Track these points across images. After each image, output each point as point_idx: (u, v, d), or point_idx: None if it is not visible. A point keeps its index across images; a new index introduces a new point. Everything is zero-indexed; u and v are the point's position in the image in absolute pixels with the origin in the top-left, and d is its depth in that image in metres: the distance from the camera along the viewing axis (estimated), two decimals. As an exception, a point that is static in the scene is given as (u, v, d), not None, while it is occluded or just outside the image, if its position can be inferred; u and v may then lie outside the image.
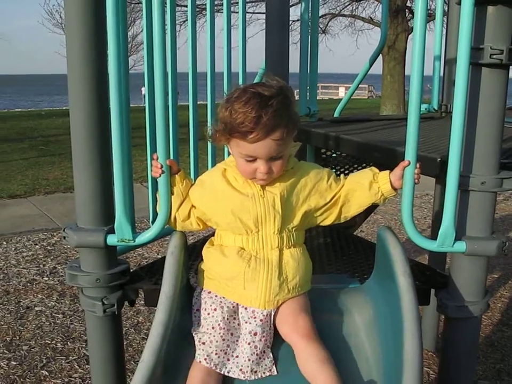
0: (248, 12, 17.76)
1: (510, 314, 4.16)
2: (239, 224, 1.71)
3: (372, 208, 3.22)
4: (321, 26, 21.00)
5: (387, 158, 2.24)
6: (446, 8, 3.33)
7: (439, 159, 1.98)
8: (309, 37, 2.92)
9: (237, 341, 1.70)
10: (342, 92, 36.73)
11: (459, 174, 1.80)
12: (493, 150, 1.88)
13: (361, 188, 1.77)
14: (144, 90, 2.10)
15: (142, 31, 2.40)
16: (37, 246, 5.44)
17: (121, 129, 1.83)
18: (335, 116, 3.49)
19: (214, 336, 1.68)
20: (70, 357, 3.42)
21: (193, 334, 1.72)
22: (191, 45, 2.32)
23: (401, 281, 1.64)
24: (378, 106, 19.56)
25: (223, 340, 1.68)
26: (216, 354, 1.66)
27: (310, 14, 2.90)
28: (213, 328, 1.69)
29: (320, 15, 20.73)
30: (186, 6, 2.43)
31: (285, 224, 1.73)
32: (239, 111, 1.58)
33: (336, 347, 1.73)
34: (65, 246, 5.34)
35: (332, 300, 1.87)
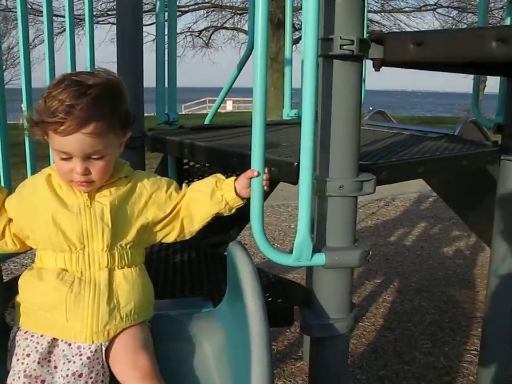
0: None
1: (392, 319, 4.16)
2: (60, 237, 1.44)
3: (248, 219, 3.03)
4: (204, 39, 20.95)
5: (245, 165, 2.04)
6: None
7: (296, 164, 1.79)
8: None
9: None
10: (230, 106, 36.45)
11: (312, 177, 1.62)
12: (351, 151, 1.73)
13: (203, 197, 1.56)
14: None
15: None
16: None
17: None
18: (205, 125, 3.29)
19: None
20: None
21: None
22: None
23: (250, 302, 1.42)
24: (264, 118, 19.74)
25: None
26: None
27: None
28: (19, 377, 1.37)
29: (202, 28, 20.82)
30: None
31: (117, 240, 1.48)
32: (54, 99, 1.37)
33: (182, 381, 1.50)
34: None
35: (179, 327, 1.61)
